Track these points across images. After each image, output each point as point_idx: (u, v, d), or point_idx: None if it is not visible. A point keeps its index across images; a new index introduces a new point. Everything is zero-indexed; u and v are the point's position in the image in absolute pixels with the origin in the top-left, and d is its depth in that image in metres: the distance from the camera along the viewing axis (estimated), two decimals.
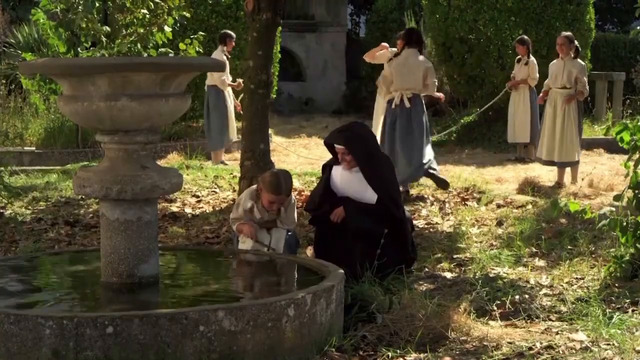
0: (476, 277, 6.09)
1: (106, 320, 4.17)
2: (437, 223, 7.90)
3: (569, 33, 10.78)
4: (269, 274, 5.58)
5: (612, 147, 14.37)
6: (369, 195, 6.19)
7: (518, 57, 13.02)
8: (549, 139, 10.14)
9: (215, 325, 4.28)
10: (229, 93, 12.46)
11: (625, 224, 6.10)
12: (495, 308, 5.31)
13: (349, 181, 6.25)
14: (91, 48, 10.92)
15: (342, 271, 5.16)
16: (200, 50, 11.99)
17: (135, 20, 10.86)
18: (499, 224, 7.78)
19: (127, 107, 4.74)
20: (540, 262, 6.59)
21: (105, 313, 4.31)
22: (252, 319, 4.35)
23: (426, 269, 6.42)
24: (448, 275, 6.27)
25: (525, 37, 13.16)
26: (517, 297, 5.57)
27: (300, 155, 13.25)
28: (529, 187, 9.24)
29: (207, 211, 8.47)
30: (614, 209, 6.16)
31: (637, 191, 6.13)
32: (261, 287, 5.35)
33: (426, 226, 7.83)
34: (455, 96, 16.93)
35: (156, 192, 4.94)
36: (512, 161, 12.75)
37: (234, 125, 12.55)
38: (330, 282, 4.89)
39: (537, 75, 12.73)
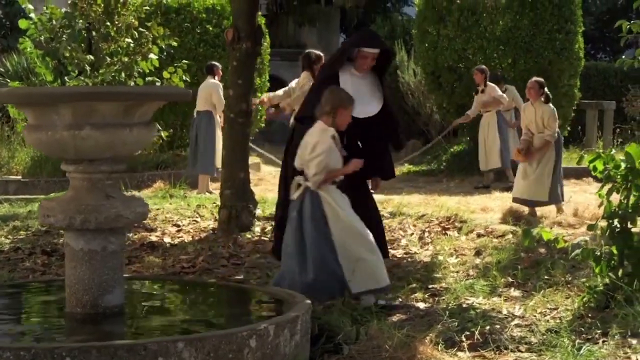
0: (449, 307, 6.04)
1: (64, 351, 4.11)
2: (415, 253, 7.86)
3: (540, 79, 10.62)
4: (237, 305, 5.54)
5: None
6: (377, 100, 6.57)
7: (478, 87, 13.22)
8: (523, 178, 10.02)
9: (174, 357, 4.22)
10: (217, 120, 12.49)
11: (599, 253, 6.07)
12: (464, 339, 5.26)
13: (361, 85, 6.58)
14: (77, 77, 10.95)
15: (309, 302, 5.12)
16: (187, 79, 12.04)
17: (120, 49, 10.88)
18: (477, 253, 7.74)
19: (91, 137, 4.72)
20: (516, 292, 6.54)
21: (63, 344, 4.27)
22: (212, 351, 4.30)
23: (399, 299, 6.37)
24: (421, 305, 6.22)
25: (484, 66, 13.32)
26: (487, 327, 5.52)
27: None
28: (510, 216, 9.22)
29: (186, 240, 8.43)
30: (588, 238, 6.14)
31: (610, 221, 6.10)
32: (228, 318, 5.30)
33: (404, 256, 7.80)
34: (445, 125, 16.97)
35: (120, 221, 4.91)
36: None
37: (220, 152, 12.55)
38: (295, 312, 4.85)
39: (505, 96, 12.96)
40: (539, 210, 10.00)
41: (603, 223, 6.16)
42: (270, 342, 4.52)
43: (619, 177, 6.05)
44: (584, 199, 12.39)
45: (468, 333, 5.34)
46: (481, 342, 5.25)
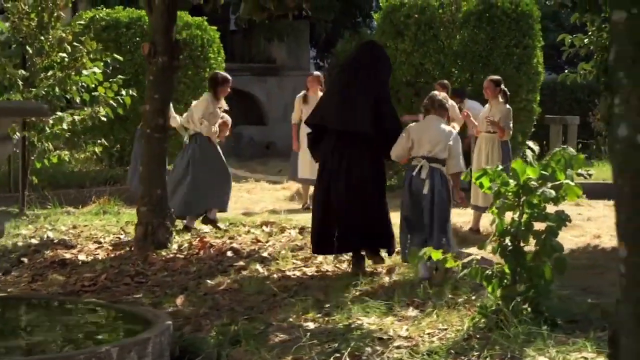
0: (336, 327, 5.89)
1: None
2: (327, 271, 7.70)
3: (496, 77, 10.68)
4: (102, 326, 5.39)
5: None
6: None
7: None
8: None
9: None
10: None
11: (490, 272, 5.92)
12: None
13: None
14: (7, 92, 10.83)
15: (169, 322, 4.97)
16: (135, 93, 11.85)
17: (55, 64, 10.76)
18: (389, 271, 7.57)
19: None
20: (413, 312, 6.37)
21: None
22: None
23: (290, 319, 6.21)
24: (310, 325, 6.07)
25: (446, 81, 13.09)
26: (368, 349, 5.38)
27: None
28: None
29: (101, 258, 8.28)
30: (479, 257, 6.00)
31: (502, 239, 5.95)
32: (84, 339, 5.14)
33: (315, 273, 7.64)
34: None
35: None
36: None
37: None
38: (148, 334, 4.70)
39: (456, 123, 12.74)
40: (484, 227, 9.81)
41: (495, 241, 6.01)
42: None
43: (509, 194, 5.91)
44: None
45: (338, 355, 5.19)
46: None
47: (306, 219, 10.49)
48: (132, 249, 8.49)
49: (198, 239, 8.78)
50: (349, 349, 5.26)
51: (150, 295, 6.86)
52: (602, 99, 11.19)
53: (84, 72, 10.53)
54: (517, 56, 15.02)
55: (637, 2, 2.31)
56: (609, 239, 9.43)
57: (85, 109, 11.39)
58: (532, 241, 5.90)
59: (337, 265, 7.91)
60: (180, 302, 6.62)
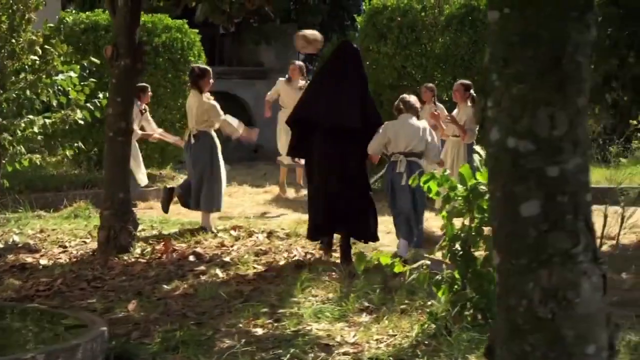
0: (284, 333, 5.82)
1: None
2: (287, 276, 7.62)
3: (466, 81, 10.69)
4: (40, 331, 5.32)
5: None
6: None
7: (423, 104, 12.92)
8: None
9: None
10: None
11: (440, 278, 5.85)
12: None
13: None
14: None
15: (103, 329, 4.90)
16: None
17: (26, 67, 10.68)
18: (350, 275, 7.49)
19: None
20: (366, 318, 6.30)
21: None
22: None
23: (240, 325, 6.14)
24: (259, 331, 5.99)
25: (432, 84, 13.01)
26: (310, 355, 5.32)
27: None
28: None
29: (63, 262, 8.21)
30: (429, 262, 5.93)
31: (452, 244, 5.88)
32: (16, 345, 5.07)
33: (275, 279, 7.55)
34: None
35: None
36: None
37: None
38: (78, 340, 4.63)
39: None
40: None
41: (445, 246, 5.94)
42: None
43: (459, 198, 5.84)
44: None
45: None
46: None
47: (277, 223, 10.44)
48: (95, 253, 8.42)
49: (163, 242, 8.71)
50: (288, 355, 5.18)
51: (103, 300, 6.78)
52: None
53: (60, 75, 10.44)
54: None
55: (510, 2, 2.24)
56: None
57: (62, 112, 11.31)
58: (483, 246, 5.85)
59: (298, 270, 7.83)
60: (132, 307, 6.55)
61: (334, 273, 7.52)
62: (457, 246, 5.85)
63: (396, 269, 5.86)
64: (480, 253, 5.89)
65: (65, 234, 9.48)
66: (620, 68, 9.26)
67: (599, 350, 2.28)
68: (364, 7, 15.80)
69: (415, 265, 5.86)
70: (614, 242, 10.50)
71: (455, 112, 10.42)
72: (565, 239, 2.22)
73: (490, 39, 2.33)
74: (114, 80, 8.30)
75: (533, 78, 2.21)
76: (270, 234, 9.32)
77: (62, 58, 10.55)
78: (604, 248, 9.85)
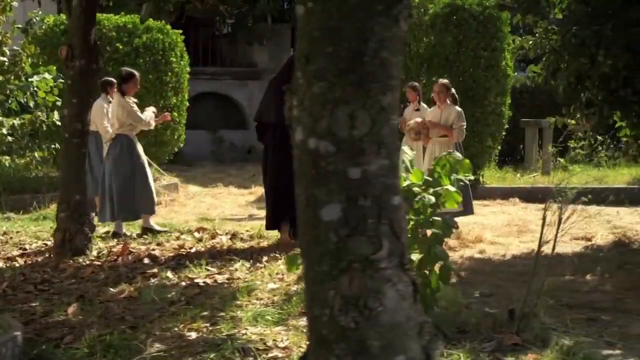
0: (215, 337, 5.73)
1: None
2: (238, 278, 7.53)
3: (446, 81, 10.58)
4: None
5: (529, 196, 14.10)
6: None
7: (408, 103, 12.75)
8: None
9: None
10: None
11: None
12: None
13: None
14: None
15: (17, 333, 4.82)
16: None
17: None
18: (300, 279, 7.39)
19: None
20: (305, 322, 6.19)
21: None
22: None
23: (175, 329, 6.04)
24: (193, 335, 5.90)
25: (416, 83, 12.86)
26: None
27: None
28: None
29: (18, 264, 8.15)
30: None
31: None
32: None
33: (226, 281, 7.47)
34: None
35: None
36: None
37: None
38: None
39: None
40: None
41: None
42: None
43: None
44: (493, 219, 12.09)
45: None
46: None
47: (251, 225, 10.36)
48: (51, 255, 8.36)
49: (121, 245, 8.64)
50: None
51: (45, 303, 6.71)
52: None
53: (35, 77, 10.42)
54: (485, 59, 14.81)
55: None
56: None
57: (39, 113, 11.29)
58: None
59: (252, 272, 7.74)
60: (72, 310, 6.46)
61: (284, 275, 7.43)
62: None
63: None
64: (415, 256, 5.78)
65: (29, 236, 9.43)
66: (591, 66, 9.11)
67: None
68: None
69: None
70: (589, 242, 10.40)
71: (431, 113, 10.33)
72: (366, 244, 2.12)
73: (297, 35, 2.22)
74: (69, 82, 8.23)
75: (333, 75, 2.10)
76: (233, 236, 9.23)
77: (30, 60, 10.52)
78: (579, 249, 9.74)
